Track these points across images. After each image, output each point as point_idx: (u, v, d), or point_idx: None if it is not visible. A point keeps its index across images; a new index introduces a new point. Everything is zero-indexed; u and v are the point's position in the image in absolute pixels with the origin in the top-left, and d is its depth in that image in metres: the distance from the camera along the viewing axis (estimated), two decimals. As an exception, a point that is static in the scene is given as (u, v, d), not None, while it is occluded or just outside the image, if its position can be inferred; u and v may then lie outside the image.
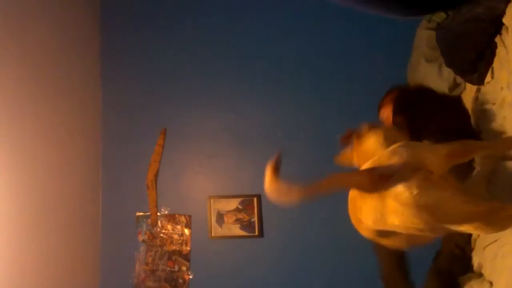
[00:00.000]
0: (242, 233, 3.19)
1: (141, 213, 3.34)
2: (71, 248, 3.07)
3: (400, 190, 1.32)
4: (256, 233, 3.16)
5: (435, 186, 1.33)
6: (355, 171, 1.43)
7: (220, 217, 3.22)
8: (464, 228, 1.37)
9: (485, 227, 1.36)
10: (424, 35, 2.49)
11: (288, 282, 3.13)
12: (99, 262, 3.34)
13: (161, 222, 3.30)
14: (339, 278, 3.04)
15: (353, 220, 1.49)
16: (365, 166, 1.46)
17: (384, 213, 1.36)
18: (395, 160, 1.39)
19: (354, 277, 3.01)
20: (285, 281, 3.12)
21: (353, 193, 1.46)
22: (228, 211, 3.21)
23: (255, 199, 3.17)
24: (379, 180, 1.35)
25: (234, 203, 3.21)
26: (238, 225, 3.19)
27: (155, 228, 3.30)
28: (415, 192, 1.30)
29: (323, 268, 3.08)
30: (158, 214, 3.31)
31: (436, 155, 1.42)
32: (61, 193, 3.02)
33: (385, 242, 1.49)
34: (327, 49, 3.21)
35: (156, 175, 3.33)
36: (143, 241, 3.31)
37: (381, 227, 1.42)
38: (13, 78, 2.67)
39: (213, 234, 3.22)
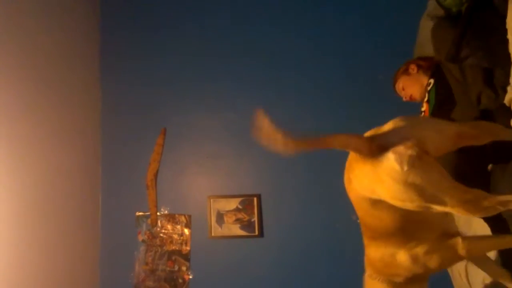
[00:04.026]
0: (242, 233, 3.19)
1: (141, 213, 3.34)
2: (71, 248, 3.07)
3: (392, 164, 1.33)
4: (256, 233, 3.16)
5: (426, 167, 1.34)
6: (357, 134, 1.43)
7: (220, 217, 3.22)
8: (447, 210, 1.39)
9: (467, 212, 1.38)
10: (428, 34, 2.49)
11: (288, 282, 3.13)
12: (99, 262, 3.34)
13: (161, 222, 3.31)
14: (339, 278, 3.04)
15: (345, 179, 1.51)
16: (368, 133, 1.46)
17: (373, 182, 1.38)
18: (395, 133, 1.39)
19: (354, 277, 3.00)
20: (285, 281, 3.12)
21: (352, 154, 1.46)
22: (228, 211, 3.21)
23: (255, 199, 3.17)
24: (376, 149, 1.36)
25: (234, 203, 3.21)
26: (238, 225, 3.19)
27: (155, 228, 3.30)
28: (405, 168, 1.31)
29: (322, 268, 3.08)
30: (158, 214, 3.31)
31: (442, 135, 1.42)
32: (61, 193, 3.02)
33: (367, 208, 1.49)
34: (328, 49, 3.21)
35: (156, 175, 3.33)
36: (143, 241, 3.31)
37: (367, 194, 1.44)
38: (12, 79, 2.67)
39: (213, 234, 3.22)
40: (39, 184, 2.83)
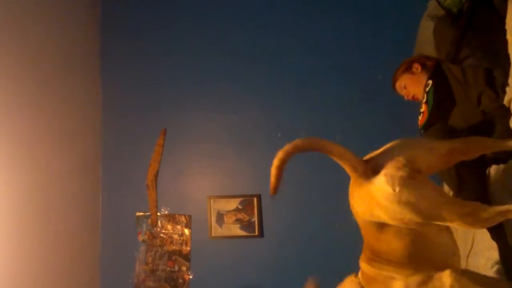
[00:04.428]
0: (242, 233, 3.19)
1: (141, 213, 3.34)
2: (71, 248, 3.07)
3: (384, 186, 1.34)
4: (256, 233, 3.16)
5: (419, 185, 1.35)
6: (355, 155, 1.44)
7: (220, 217, 3.22)
8: (448, 224, 1.39)
9: (468, 225, 1.38)
10: (428, 34, 2.49)
11: (288, 282, 3.13)
12: (99, 262, 3.35)
13: (161, 222, 3.31)
14: (338, 278, 3.03)
15: (351, 206, 1.51)
16: (367, 157, 1.47)
17: (370, 205, 1.39)
18: (386, 155, 1.40)
19: (354, 277, 3.01)
20: (285, 281, 3.12)
21: (352, 180, 1.47)
22: (228, 211, 3.21)
23: (255, 199, 3.17)
24: (370, 172, 1.37)
25: (234, 203, 3.21)
26: (238, 225, 3.19)
27: (155, 228, 3.31)
28: (397, 189, 1.32)
29: (323, 268, 3.08)
30: (158, 214, 3.31)
31: (433, 153, 1.43)
32: (61, 193, 3.02)
33: (374, 232, 1.49)
34: (327, 49, 3.21)
35: (156, 175, 3.34)
36: (143, 241, 3.32)
37: (368, 217, 1.44)
38: (13, 79, 2.67)
39: (213, 234, 3.22)
40: (39, 184, 2.84)
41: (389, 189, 1.33)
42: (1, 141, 2.57)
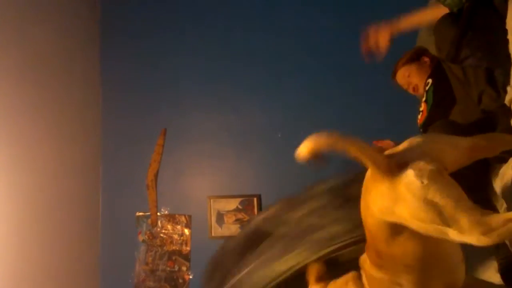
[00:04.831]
0: (242, 233, 3.19)
1: (141, 213, 3.34)
2: (71, 248, 3.07)
3: (411, 179, 1.27)
4: (256, 233, 3.16)
5: (447, 182, 1.28)
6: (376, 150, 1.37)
7: (220, 217, 3.22)
8: (461, 235, 1.28)
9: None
10: (428, 34, 2.48)
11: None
12: (99, 262, 3.34)
13: (161, 222, 3.31)
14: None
15: (362, 206, 1.43)
16: (387, 152, 1.42)
17: (392, 201, 1.31)
18: (413, 150, 1.34)
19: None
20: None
21: (368, 175, 1.39)
22: (228, 211, 3.21)
23: (255, 199, 3.17)
24: (395, 167, 1.30)
25: (234, 203, 3.21)
26: (238, 225, 3.19)
27: (155, 228, 3.31)
28: (425, 182, 1.25)
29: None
30: (158, 214, 3.31)
31: (457, 149, 1.38)
32: (61, 193, 3.02)
33: (386, 235, 1.45)
34: (327, 49, 3.21)
35: (156, 175, 3.34)
36: (143, 241, 3.32)
37: (386, 217, 1.36)
38: (13, 80, 2.67)
39: (213, 234, 3.22)
40: (40, 184, 2.83)
41: (417, 182, 1.26)
42: (1, 142, 2.57)
